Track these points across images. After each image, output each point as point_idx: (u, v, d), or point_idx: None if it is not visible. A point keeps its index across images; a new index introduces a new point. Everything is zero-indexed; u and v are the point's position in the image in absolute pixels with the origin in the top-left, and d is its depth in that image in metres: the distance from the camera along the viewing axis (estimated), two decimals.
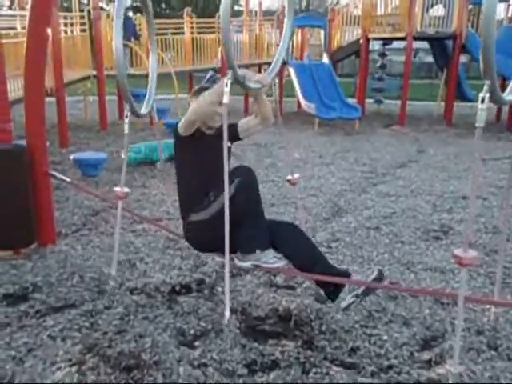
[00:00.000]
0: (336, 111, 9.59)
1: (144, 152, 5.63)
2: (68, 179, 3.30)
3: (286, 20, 2.49)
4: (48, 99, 6.91)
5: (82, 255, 3.14)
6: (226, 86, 2.04)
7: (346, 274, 2.38)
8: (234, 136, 2.61)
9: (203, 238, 2.49)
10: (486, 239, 3.51)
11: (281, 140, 7.85)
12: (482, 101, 1.45)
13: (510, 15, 10.65)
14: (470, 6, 10.48)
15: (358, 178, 5.46)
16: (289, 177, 2.86)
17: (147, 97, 2.90)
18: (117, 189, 2.83)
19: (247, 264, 2.68)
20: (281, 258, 2.77)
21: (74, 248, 3.25)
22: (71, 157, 5.21)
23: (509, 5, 10.57)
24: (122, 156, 2.78)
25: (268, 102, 2.57)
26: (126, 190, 2.84)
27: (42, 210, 3.15)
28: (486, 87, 1.44)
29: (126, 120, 2.65)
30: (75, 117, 9.35)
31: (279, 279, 2.91)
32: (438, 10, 10.87)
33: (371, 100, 12.43)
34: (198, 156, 2.40)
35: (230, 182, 2.24)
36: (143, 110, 2.80)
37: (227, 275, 2.17)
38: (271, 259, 2.71)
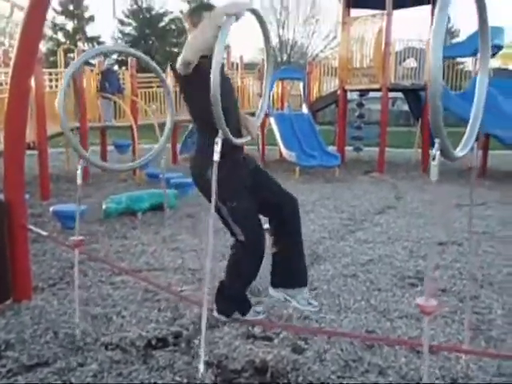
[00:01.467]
0: (316, 159, 9.82)
1: (125, 202, 5.66)
2: (44, 233, 3.31)
3: (265, 74, 2.59)
4: (31, 152, 7.01)
5: (58, 310, 3.10)
6: (217, 144, 2.11)
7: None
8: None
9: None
10: (460, 285, 3.57)
11: None
12: (434, 158, 1.56)
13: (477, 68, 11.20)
14: None
15: (337, 225, 5.54)
16: (266, 225, 2.90)
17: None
18: (72, 238, 2.86)
19: (225, 318, 2.71)
20: (259, 313, 2.79)
21: (49, 303, 3.21)
22: (51, 209, 5.22)
23: (476, 59, 11.14)
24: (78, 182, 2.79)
25: (250, 119, 2.60)
26: (81, 238, 2.88)
27: (18, 266, 3.13)
28: (436, 145, 1.54)
29: (78, 172, 2.70)
30: (57, 168, 9.40)
31: (257, 329, 2.91)
32: (411, 63, 11.42)
33: (351, 148, 12.77)
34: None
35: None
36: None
37: (203, 329, 2.18)
38: (250, 314, 2.73)
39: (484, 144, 10.25)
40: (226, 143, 2.20)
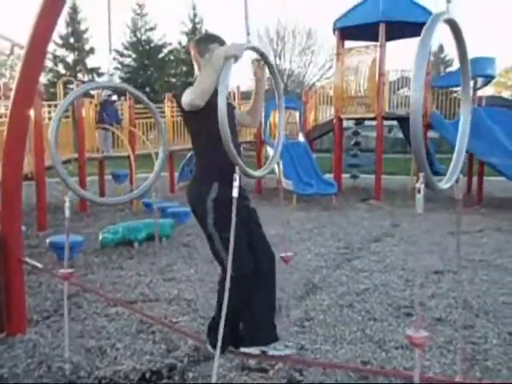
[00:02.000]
0: (313, 187, 9.88)
1: (122, 232, 5.68)
2: (40, 265, 3.32)
3: (278, 106, 2.61)
4: (29, 182, 7.06)
5: (52, 343, 3.08)
6: (235, 180, 2.13)
7: None
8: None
9: None
10: (455, 315, 3.56)
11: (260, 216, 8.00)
12: (419, 191, 1.59)
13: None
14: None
15: (334, 254, 5.55)
16: (282, 254, 2.94)
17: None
18: (61, 270, 2.88)
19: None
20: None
21: (43, 336, 3.20)
22: (47, 240, 5.23)
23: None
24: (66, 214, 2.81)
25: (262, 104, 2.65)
26: (70, 270, 2.90)
27: (13, 299, 3.13)
28: (421, 179, 1.58)
29: (66, 204, 2.73)
30: (55, 198, 9.43)
31: (252, 361, 2.89)
32: (405, 92, 11.64)
33: (348, 175, 12.87)
34: (215, 118, 2.09)
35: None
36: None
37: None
38: (242, 348, 2.71)
39: (479, 171, 10.36)
40: (226, 171, 2.22)
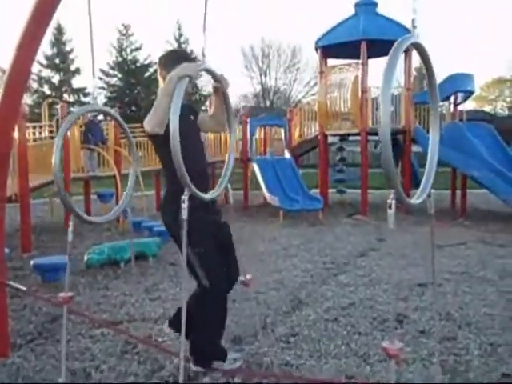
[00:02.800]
0: (299, 203, 9.96)
1: (107, 253, 5.66)
2: (23, 288, 3.30)
3: (230, 132, 2.70)
4: (13, 204, 7.01)
5: (35, 366, 3.06)
6: (184, 202, 2.17)
7: None
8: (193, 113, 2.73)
9: None
10: (438, 326, 3.61)
11: (246, 234, 8.04)
12: (390, 206, 1.65)
13: (452, 112, 11.68)
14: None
15: (320, 269, 5.58)
16: (242, 278, 2.95)
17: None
18: (61, 294, 2.85)
19: (202, 369, 2.72)
20: (236, 360, 2.81)
21: (27, 359, 3.17)
22: (31, 262, 5.19)
23: (450, 103, 11.63)
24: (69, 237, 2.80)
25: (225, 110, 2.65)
26: (70, 294, 2.87)
27: None
28: (391, 195, 1.64)
29: (70, 229, 2.72)
30: (41, 219, 9.38)
31: (237, 380, 2.89)
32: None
33: (334, 190, 12.98)
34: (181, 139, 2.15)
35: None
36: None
37: None
38: (227, 362, 2.76)
39: (462, 184, 10.53)
40: (198, 189, 2.28)
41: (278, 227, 8.96)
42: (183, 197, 2.08)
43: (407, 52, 10.30)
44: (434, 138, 1.93)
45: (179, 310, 2.86)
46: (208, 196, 2.39)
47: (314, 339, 3.45)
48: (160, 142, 2.40)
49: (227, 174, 2.49)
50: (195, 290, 2.63)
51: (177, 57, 2.61)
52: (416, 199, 1.80)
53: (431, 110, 1.92)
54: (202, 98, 33.11)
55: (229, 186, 2.57)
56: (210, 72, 2.41)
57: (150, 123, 2.31)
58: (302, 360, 3.10)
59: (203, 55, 2.36)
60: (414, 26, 1.72)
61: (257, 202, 12.20)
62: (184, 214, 2.10)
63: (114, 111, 3.13)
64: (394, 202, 1.63)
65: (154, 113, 2.29)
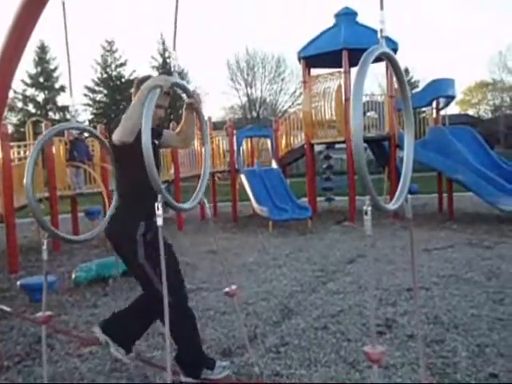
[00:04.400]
0: (288, 212, 9.99)
1: (95, 270, 5.62)
2: (8, 309, 3.27)
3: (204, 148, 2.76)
4: None
5: None
6: (158, 209, 2.20)
7: None
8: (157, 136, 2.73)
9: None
10: (427, 330, 3.63)
11: (235, 245, 8.04)
12: (366, 213, 1.68)
13: (434, 117, 11.84)
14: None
15: (309, 278, 5.59)
16: (226, 289, 2.96)
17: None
18: (39, 314, 2.86)
19: (193, 380, 2.73)
20: (225, 367, 2.82)
21: (14, 382, 3.13)
22: (18, 283, 5.14)
23: (432, 108, 11.79)
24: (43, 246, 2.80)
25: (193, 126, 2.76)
26: (48, 313, 2.88)
27: None
28: (367, 201, 1.67)
29: (44, 247, 2.73)
30: (28, 239, 9.29)
31: None
32: (372, 115, 11.98)
33: (323, 198, 13.04)
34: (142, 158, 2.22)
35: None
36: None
37: None
38: (217, 370, 2.77)
39: (448, 188, 10.64)
40: (153, 206, 2.34)
41: (267, 237, 8.97)
42: (157, 203, 2.11)
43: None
44: (408, 143, 1.97)
45: (113, 315, 2.98)
46: (186, 206, 2.41)
47: (303, 348, 3.45)
48: (126, 152, 2.43)
49: (202, 187, 2.52)
50: (146, 302, 2.78)
51: (143, 81, 2.67)
52: (393, 205, 1.83)
53: (404, 116, 1.95)
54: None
55: (205, 199, 2.59)
56: (182, 87, 2.45)
57: (118, 133, 2.33)
58: (291, 369, 3.10)
59: (174, 71, 2.39)
60: (382, 36, 1.77)
61: (245, 213, 12.21)
62: (159, 221, 2.13)
63: (92, 129, 3.14)
64: (369, 208, 1.66)
65: (125, 122, 2.31)
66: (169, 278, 2.21)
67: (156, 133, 2.71)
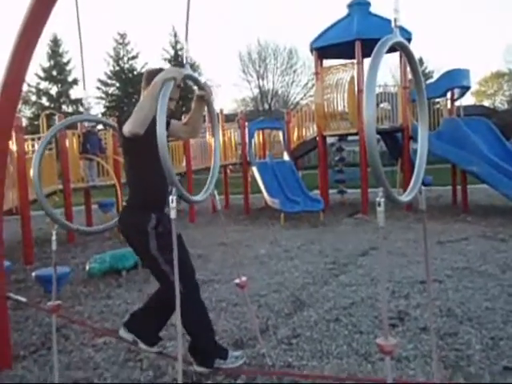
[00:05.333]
0: (300, 205, 9.96)
1: (109, 262, 5.68)
2: (23, 299, 3.32)
3: (214, 137, 2.76)
4: (14, 217, 7.05)
5: (38, 377, 3.07)
6: (172, 202, 2.20)
7: None
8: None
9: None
10: (440, 323, 3.61)
11: (247, 237, 8.05)
12: (379, 204, 1.66)
13: (449, 108, 11.68)
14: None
15: (321, 270, 5.58)
16: (237, 280, 2.96)
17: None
18: (49, 303, 2.90)
19: (206, 370, 2.75)
20: (238, 358, 2.83)
21: (30, 370, 3.18)
22: (33, 274, 5.22)
23: (447, 99, 11.63)
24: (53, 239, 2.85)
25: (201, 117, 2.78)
26: (58, 302, 2.92)
27: None
28: (380, 193, 1.65)
29: (53, 238, 2.76)
30: (43, 231, 9.41)
31: (239, 381, 2.90)
32: (385, 106, 11.86)
33: (335, 190, 12.98)
34: (153, 148, 2.23)
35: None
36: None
37: None
38: (229, 360, 2.78)
39: (462, 180, 10.52)
40: (162, 200, 2.43)
41: (279, 229, 8.97)
42: (171, 196, 2.11)
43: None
44: (422, 134, 1.94)
45: (133, 314, 2.95)
46: (198, 198, 2.42)
47: (315, 340, 3.46)
48: (136, 144, 2.44)
49: (213, 179, 2.52)
50: (163, 294, 2.73)
51: (154, 74, 2.66)
52: (406, 196, 1.81)
53: (419, 106, 1.93)
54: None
55: (215, 192, 2.59)
56: (193, 79, 2.45)
57: (129, 124, 2.33)
58: (303, 361, 3.11)
59: (186, 63, 2.39)
60: (397, 26, 1.74)
61: (257, 206, 12.21)
62: (172, 214, 2.13)
63: (105, 119, 3.16)
64: (382, 200, 1.64)
65: (136, 114, 2.31)
66: (181, 268, 2.22)
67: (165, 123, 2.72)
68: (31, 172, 2.69)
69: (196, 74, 2.53)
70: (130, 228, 2.64)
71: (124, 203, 2.88)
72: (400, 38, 1.72)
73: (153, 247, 2.55)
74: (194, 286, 2.71)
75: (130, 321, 2.91)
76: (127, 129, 2.35)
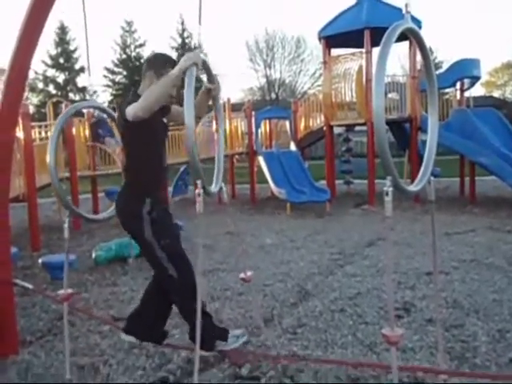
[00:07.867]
0: (306, 195, 9.94)
1: (115, 250, 5.70)
2: (30, 286, 3.34)
3: (218, 127, 2.75)
4: (21, 204, 7.08)
5: (45, 363, 3.10)
6: (199, 195, 2.20)
7: None
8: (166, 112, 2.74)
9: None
10: (446, 314, 3.59)
11: (253, 227, 8.04)
12: (387, 194, 1.64)
13: (458, 98, 11.55)
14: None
15: (327, 260, 5.57)
16: (242, 275, 2.96)
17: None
18: (61, 291, 2.90)
19: (211, 353, 2.75)
20: (239, 336, 2.81)
21: (36, 356, 3.21)
22: (39, 260, 5.25)
23: (456, 89, 11.50)
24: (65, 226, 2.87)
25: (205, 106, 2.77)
26: (70, 290, 2.92)
27: (4, 322, 3.12)
28: (388, 182, 1.63)
29: (65, 225, 2.77)
30: (49, 218, 9.46)
31: (244, 370, 2.91)
32: (394, 96, 11.74)
33: (342, 181, 12.92)
34: (153, 134, 2.45)
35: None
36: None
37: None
38: (230, 340, 2.76)
39: (470, 171, 10.44)
40: (156, 185, 2.46)
41: (285, 219, 8.96)
42: (197, 190, 2.12)
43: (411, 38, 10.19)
44: (432, 124, 1.91)
45: (130, 316, 2.93)
46: (213, 189, 2.42)
47: (320, 329, 3.45)
48: (135, 128, 2.41)
49: (220, 170, 2.51)
50: (157, 284, 2.77)
51: (164, 60, 2.62)
52: (415, 186, 1.78)
53: (429, 93, 1.89)
54: None
55: (222, 183, 2.58)
56: (207, 67, 2.42)
57: (135, 107, 2.30)
58: (308, 350, 3.11)
59: (200, 45, 2.37)
60: (408, 12, 1.70)
61: (263, 196, 12.19)
62: (199, 208, 2.13)
63: (107, 107, 3.16)
64: (390, 189, 1.62)
65: (145, 99, 2.28)
66: (177, 255, 2.23)
67: (166, 109, 2.70)
68: (47, 159, 2.69)
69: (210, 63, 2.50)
70: (124, 212, 2.63)
71: (119, 188, 2.87)
72: (411, 24, 1.69)
73: (148, 233, 2.53)
74: (191, 273, 2.68)
75: (129, 325, 2.90)
76: (132, 111, 2.32)
